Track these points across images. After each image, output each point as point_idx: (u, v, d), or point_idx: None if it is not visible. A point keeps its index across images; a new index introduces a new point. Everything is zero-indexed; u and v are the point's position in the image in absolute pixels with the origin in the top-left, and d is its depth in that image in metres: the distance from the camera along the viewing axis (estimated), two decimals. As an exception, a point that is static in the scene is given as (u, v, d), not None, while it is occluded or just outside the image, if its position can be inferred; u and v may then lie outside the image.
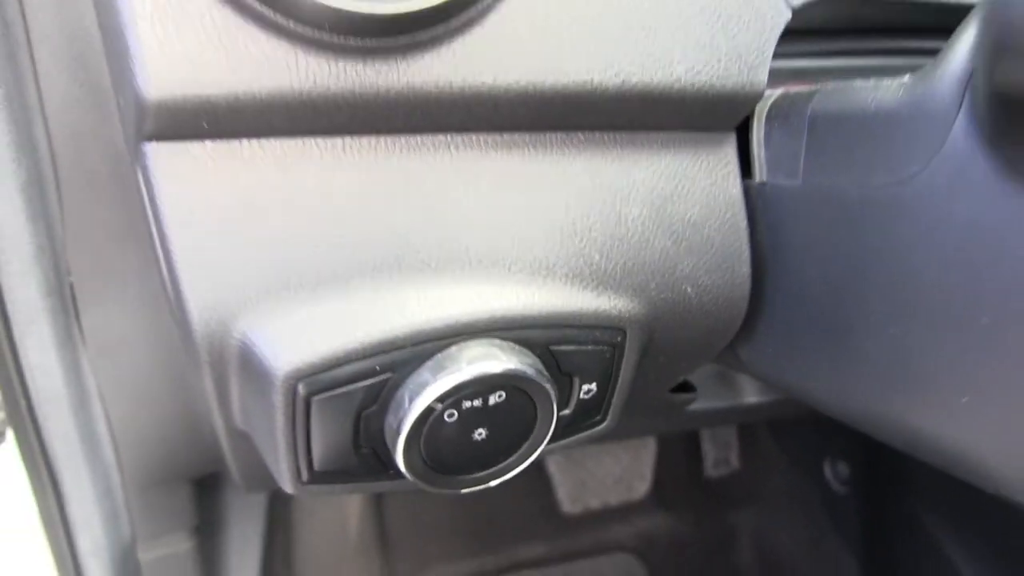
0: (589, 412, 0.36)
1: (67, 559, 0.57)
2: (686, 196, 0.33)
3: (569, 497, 0.89)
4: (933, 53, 0.28)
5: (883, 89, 0.29)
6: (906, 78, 0.28)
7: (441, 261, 0.31)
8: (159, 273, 0.36)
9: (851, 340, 0.31)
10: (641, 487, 0.92)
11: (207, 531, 0.62)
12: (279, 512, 0.80)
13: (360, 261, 0.30)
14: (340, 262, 0.30)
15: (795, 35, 0.34)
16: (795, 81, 0.36)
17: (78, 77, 0.39)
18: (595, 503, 0.90)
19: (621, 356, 0.34)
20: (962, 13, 0.27)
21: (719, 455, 0.97)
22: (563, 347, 0.32)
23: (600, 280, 0.32)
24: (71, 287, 0.46)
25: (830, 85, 0.32)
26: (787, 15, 0.32)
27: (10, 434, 0.55)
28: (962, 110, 0.26)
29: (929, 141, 0.27)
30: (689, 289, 0.34)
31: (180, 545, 0.59)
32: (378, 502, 0.89)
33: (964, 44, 0.26)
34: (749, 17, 0.31)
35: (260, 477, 0.44)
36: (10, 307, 0.45)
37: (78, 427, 0.52)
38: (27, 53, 0.39)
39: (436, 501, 0.94)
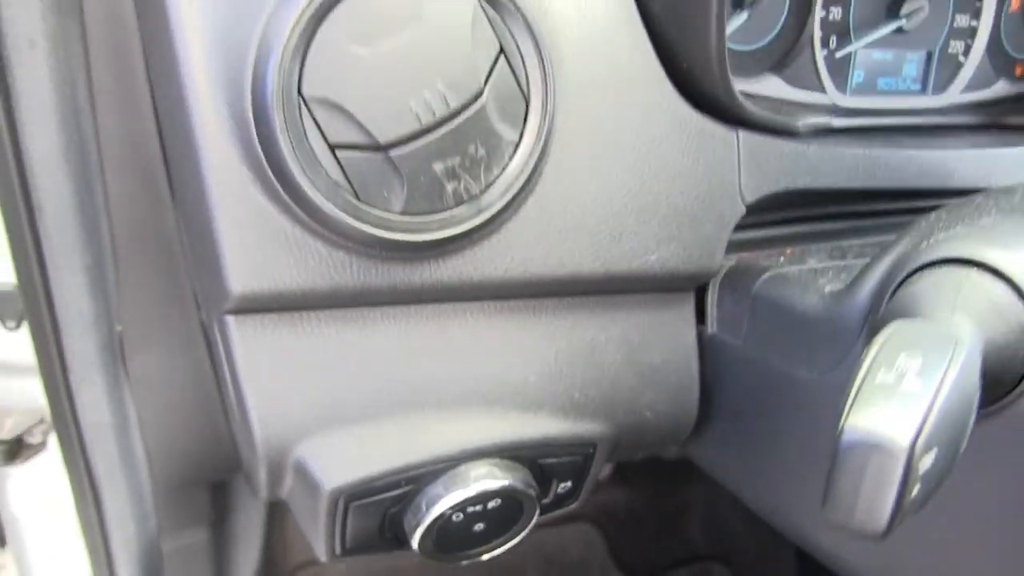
0: (564, 500, 0.45)
1: (100, 552, 0.65)
2: (652, 344, 0.41)
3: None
4: (884, 214, 0.35)
5: (812, 292, 0.37)
6: (827, 290, 0.36)
7: (455, 399, 0.39)
8: (200, 336, 0.43)
9: (776, 466, 0.40)
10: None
11: (219, 523, 0.71)
12: (278, 504, 0.88)
13: (392, 402, 0.38)
14: (377, 403, 0.38)
15: (753, 211, 0.41)
16: (751, 248, 0.43)
17: (138, 178, 0.45)
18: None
19: (591, 461, 0.43)
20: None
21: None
22: (547, 460, 0.41)
23: (579, 411, 0.41)
24: (120, 336, 0.53)
25: (772, 272, 0.39)
26: (742, 210, 0.40)
27: (52, 445, 0.62)
28: (863, 332, 0.33)
29: (840, 348, 0.34)
30: (649, 414, 0.43)
31: (196, 536, 0.68)
32: None
33: (872, 280, 0.33)
34: (710, 216, 0.39)
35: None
36: (69, 360, 0.52)
37: (119, 448, 0.60)
38: (96, 157, 0.45)
39: None
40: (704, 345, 0.43)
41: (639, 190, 0.37)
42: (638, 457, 0.50)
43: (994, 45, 0.55)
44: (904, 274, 0.30)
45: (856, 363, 0.31)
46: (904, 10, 0.51)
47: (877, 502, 0.24)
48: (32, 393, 0.60)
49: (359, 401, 0.38)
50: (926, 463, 0.24)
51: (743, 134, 0.40)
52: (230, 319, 0.35)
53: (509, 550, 1.00)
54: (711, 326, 0.43)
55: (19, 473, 0.73)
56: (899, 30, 0.52)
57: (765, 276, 0.39)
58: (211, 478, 0.65)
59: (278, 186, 0.32)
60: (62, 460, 0.61)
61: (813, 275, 0.38)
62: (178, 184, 0.40)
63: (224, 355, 0.37)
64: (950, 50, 0.55)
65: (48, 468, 0.69)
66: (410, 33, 0.31)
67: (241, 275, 0.33)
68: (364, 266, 0.34)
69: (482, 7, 0.33)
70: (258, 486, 0.41)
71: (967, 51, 0.55)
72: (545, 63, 0.34)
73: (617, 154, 0.37)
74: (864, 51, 0.53)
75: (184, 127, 0.33)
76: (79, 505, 0.64)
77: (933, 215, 0.33)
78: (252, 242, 0.33)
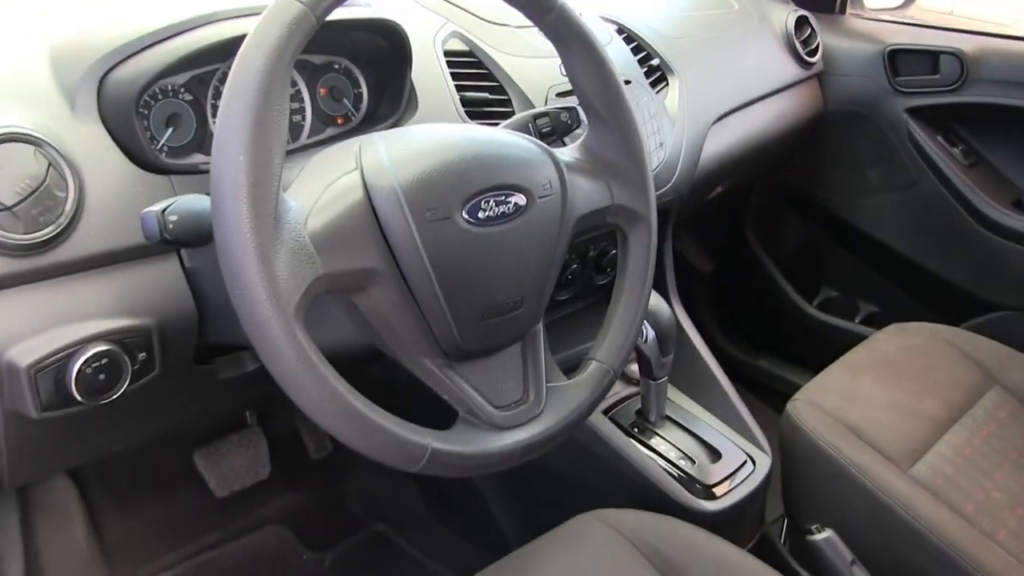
0: (146, 365, 0.90)
1: None
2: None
3: (219, 486, 1.40)
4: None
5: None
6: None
7: (67, 319, 0.85)
8: None
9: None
10: (264, 471, 1.43)
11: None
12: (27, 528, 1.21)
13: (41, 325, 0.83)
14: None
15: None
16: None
17: None
18: (236, 487, 1.42)
19: (151, 341, 0.86)
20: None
21: (318, 443, 1.50)
22: (127, 339, 0.88)
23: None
24: None
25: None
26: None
27: None
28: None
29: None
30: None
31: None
32: (95, 521, 1.33)
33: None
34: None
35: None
36: None
37: None
38: None
39: (144, 514, 1.35)
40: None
41: None
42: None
43: (317, 110, 0.92)
44: None
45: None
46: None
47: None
48: None
49: (29, 330, 0.72)
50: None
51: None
52: None
53: (225, 555, 1.38)
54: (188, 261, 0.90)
55: None
56: None
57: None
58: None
59: None
60: None
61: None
62: None
63: None
64: (294, 120, 0.92)
65: None
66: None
67: None
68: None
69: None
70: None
71: (304, 116, 0.92)
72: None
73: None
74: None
75: None
76: None
77: None
78: None
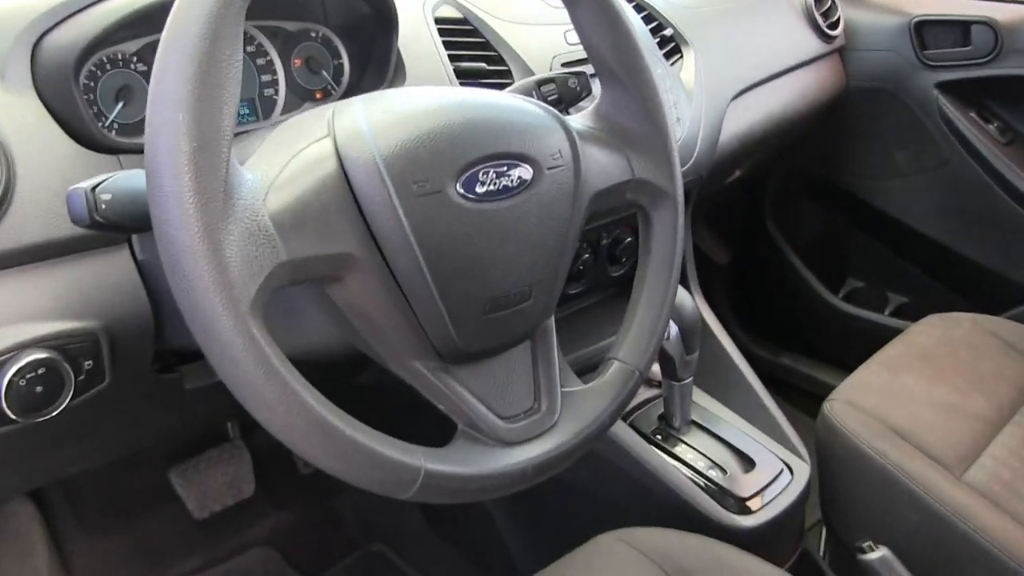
0: (93, 376, 0.79)
1: None
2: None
3: (197, 507, 1.30)
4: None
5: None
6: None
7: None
8: None
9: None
10: (248, 488, 1.35)
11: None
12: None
13: None
14: None
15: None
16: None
17: None
18: (217, 507, 1.32)
19: (99, 346, 0.76)
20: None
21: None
22: (69, 346, 0.76)
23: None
24: None
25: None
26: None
27: None
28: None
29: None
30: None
31: None
32: (61, 548, 1.23)
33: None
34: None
35: None
36: None
37: None
38: None
39: (116, 539, 1.26)
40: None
41: None
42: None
43: (292, 83, 0.85)
44: None
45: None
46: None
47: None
48: None
49: None
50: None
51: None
52: None
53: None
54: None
55: None
56: None
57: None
58: None
59: None
60: None
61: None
62: None
63: None
64: (265, 93, 0.84)
65: None
66: None
67: None
68: None
69: None
70: None
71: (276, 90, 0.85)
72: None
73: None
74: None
75: None
76: None
77: None
78: None
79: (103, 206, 0.55)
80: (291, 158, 0.55)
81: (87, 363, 0.67)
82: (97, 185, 0.55)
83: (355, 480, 0.55)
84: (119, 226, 0.56)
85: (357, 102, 0.61)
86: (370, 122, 0.58)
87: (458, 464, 0.59)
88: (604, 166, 0.69)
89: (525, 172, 0.61)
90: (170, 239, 0.49)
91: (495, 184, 0.60)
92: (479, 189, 0.59)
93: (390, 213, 0.55)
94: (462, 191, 0.58)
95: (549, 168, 0.63)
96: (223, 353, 0.49)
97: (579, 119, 0.72)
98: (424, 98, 0.62)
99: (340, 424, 0.53)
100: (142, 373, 0.76)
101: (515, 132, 0.62)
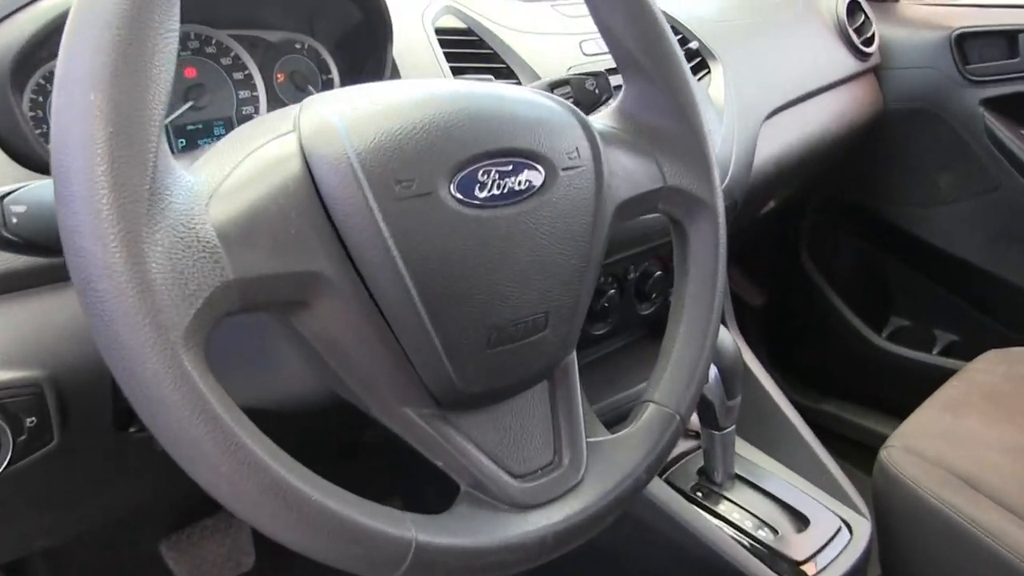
0: (38, 434, 0.66)
1: None
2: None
3: (190, 581, 1.18)
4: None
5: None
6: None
7: None
8: None
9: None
10: (248, 561, 1.23)
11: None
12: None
13: None
14: None
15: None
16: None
17: None
18: (213, 582, 1.20)
19: (44, 400, 0.66)
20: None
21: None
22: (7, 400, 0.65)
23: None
24: None
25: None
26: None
27: None
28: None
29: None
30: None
31: None
32: None
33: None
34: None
35: None
36: None
37: None
38: None
39: None
40: None
41: None
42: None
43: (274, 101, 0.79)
44: None
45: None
46: (192, 95, 0.74)
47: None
48: None
49: None
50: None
51: None
52: None
53: None
54: None
55: None
56: (194, 108, 0.74)
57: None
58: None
59: None
60: None
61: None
62: None
63: None
64: (243, 112, 0.79)
65: None
66: None
67: None
68: None
69: None
70: None
71: (256, 108, 0.79)
72: None
73: None
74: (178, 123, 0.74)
75: None
76: None
77: None
78: None
79: (14, 220, 0.45)
80: (245, 157, 0.45)
81: (29, 420, 0.58)
82: (7, 195, 0.44)
83: (326, 557, 0.43)
84: (36, 245, 0.46)
85: (330, 95, 0.51)
86: (343, 115, 0.47)
87: (459, 534, 0.47)
88: (630, 172, 0.58)
89: (535, 173, 0.51)
90: (78, 251, 0.38)
91: (498, 187, 0.49)
92: (478, 192, 0.48)
93: (366, 220, 0.44)
94: (457, 194, 0.47)
95: (564, 169, 0.52)
96: (147, 395, 0.38)
97: (598, 119, 0.61)
98: (411, 88, 0.52)
99: (304, 487, 0.41)
100: (100, 431, 0.66)
101: (522, 125, 0.51)
